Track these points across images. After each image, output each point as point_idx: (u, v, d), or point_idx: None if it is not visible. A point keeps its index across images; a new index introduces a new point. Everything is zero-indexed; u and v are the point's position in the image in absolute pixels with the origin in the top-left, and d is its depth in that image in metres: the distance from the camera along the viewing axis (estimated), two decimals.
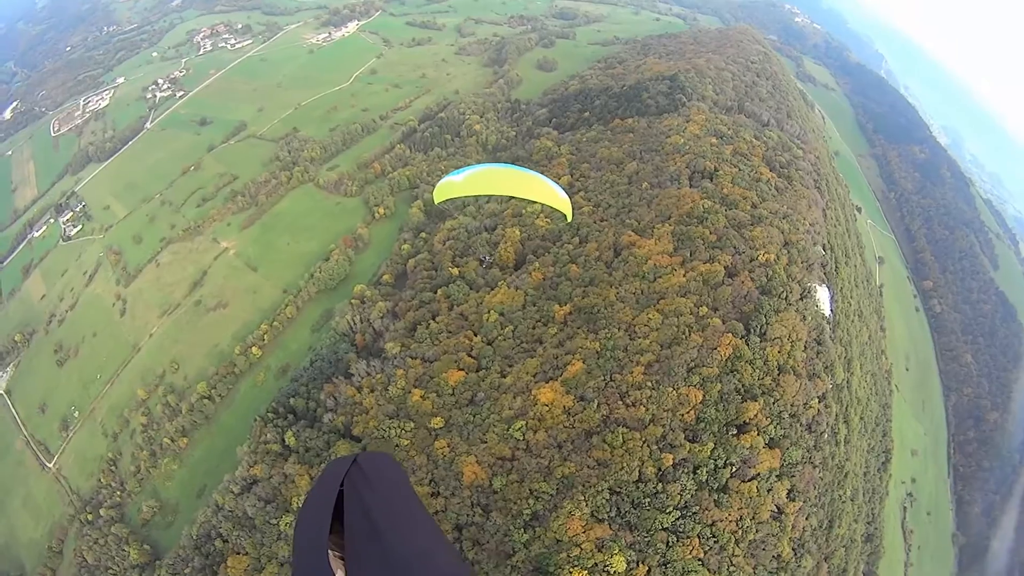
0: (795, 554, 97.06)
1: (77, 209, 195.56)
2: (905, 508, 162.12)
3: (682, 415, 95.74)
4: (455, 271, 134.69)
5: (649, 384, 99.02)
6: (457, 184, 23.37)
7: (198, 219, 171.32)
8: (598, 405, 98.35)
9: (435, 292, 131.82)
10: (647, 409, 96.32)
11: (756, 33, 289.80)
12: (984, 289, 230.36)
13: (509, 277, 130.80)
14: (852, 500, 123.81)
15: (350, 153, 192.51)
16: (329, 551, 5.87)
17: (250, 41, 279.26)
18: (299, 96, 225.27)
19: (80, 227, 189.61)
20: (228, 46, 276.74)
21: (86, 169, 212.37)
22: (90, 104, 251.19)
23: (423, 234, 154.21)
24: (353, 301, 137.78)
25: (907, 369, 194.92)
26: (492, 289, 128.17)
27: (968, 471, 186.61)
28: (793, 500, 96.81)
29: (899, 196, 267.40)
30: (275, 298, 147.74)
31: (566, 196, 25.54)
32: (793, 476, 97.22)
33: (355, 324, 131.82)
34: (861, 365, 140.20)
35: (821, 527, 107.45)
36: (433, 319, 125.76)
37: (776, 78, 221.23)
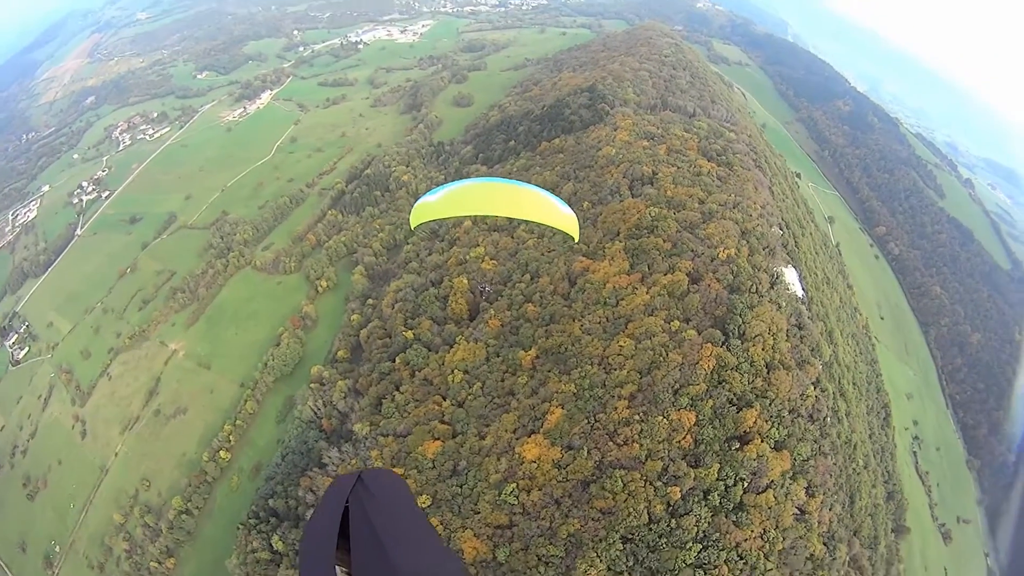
0: (827, 548, 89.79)
1: (21, 330, 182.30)
2: (915, 452, 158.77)
3: (679, 442, 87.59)
4: (409, 334, 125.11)
5: (637, 417, 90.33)
6: (432, 206, 20.51)
7: (142, 323, 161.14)
8: (588, 452, 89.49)
9: (393, 361, 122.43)
10: (641, 445, 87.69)
11: (663, 27, 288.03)
12: (936, 220, 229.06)
13: (466, 330, 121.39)
14: (866, 468, 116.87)
15: (282, 228, 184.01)
16: (336, 567, 5.82)
17: (167, 128, 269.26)
18: (224, 177, 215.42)
19: (27, 349, 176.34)
20: (147, 137, 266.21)
21: (24, 286, 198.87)
22: (19, 217, 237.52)
23: (370, 300, 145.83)
24: (312, 385, 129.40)
25: (881, 318, 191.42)
26: (451, 347, 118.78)
27: (965, 397, 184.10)
28: (813, 496, 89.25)
29: (833, 153, 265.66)
30: (233, 394, 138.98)
31: (570, 211, 22.18)
32: (807, 472, 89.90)
33: (319, 409, 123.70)
34: (841, 331, 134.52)
35: (844, 508, 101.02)
36: (397, 390, 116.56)
37: (692, 67, 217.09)
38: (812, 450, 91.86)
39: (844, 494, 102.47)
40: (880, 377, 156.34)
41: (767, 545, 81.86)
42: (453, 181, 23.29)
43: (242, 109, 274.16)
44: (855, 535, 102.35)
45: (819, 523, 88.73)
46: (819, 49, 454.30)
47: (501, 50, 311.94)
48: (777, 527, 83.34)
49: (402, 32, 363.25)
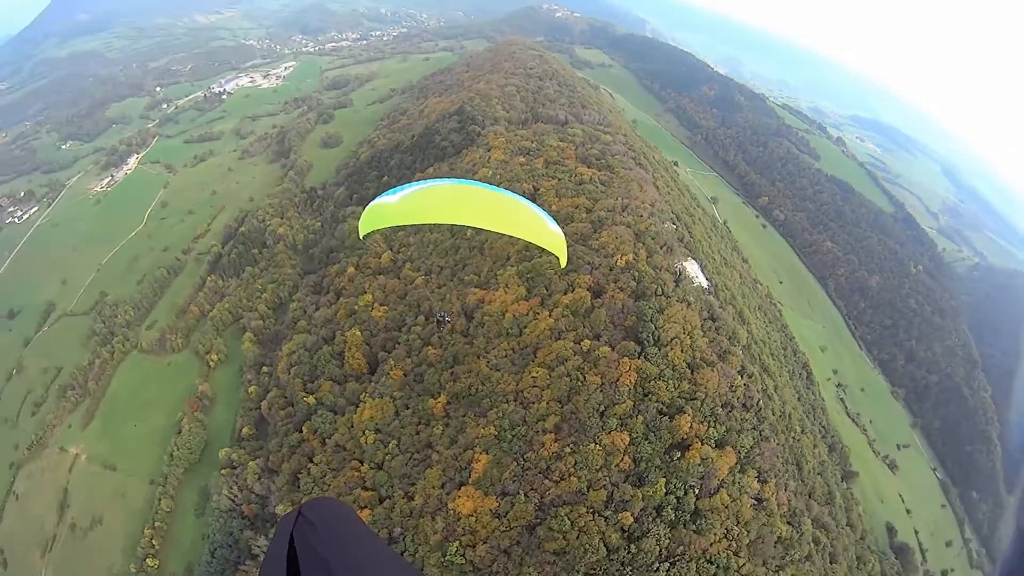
0: (793, 526, 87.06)
1: None
2: (842, 399, 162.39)
3: (618, 465, 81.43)
4: (311, 399, 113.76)
5: (568, 449, 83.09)
6: (389, 210, 18.46)
7: (38, 430, 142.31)
8: (525, 495, 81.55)
9: (300, 431, 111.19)
10: (579, 477, 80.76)
11: (525, 40, 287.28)
12: (815, 181, 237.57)
13: (368, 386, 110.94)
14: (804, 432, 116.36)
15: (164, 302, 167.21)
16: None
17: (36, 208, 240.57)
18: (98, 255, 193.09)
19: None
20: (16, 220, 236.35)
21: None
22: None
23: (265, 368, 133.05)
24: (223, 471, 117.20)
25: (781, 283, 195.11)
26: (357, 406, 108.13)
27: (875, 336, 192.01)
28: (766, 482, 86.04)
29: (706, 136, 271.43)
30: (146, 494, 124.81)
31: (557, 228, 19.79)
32: (755, 461, 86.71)
33: (235, 496, 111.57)
34: (748, 307, 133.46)
35: (794, 478, 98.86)
36: (311, 461, 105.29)
37: (558, 76, 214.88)
38: (754, 438, 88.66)
39: (792, 465, 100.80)
40: (793, 340, 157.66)
41: (733, 543, 78.25)
42: (414, 182, 19.63)
43: (110, 178, 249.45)
44: (810, 497, 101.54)
45: (779, 505, 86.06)
46: (678, 41, 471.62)
47: (365, 84, 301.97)
48: (739, 523, 79.92)
49: (265, 77, 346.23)
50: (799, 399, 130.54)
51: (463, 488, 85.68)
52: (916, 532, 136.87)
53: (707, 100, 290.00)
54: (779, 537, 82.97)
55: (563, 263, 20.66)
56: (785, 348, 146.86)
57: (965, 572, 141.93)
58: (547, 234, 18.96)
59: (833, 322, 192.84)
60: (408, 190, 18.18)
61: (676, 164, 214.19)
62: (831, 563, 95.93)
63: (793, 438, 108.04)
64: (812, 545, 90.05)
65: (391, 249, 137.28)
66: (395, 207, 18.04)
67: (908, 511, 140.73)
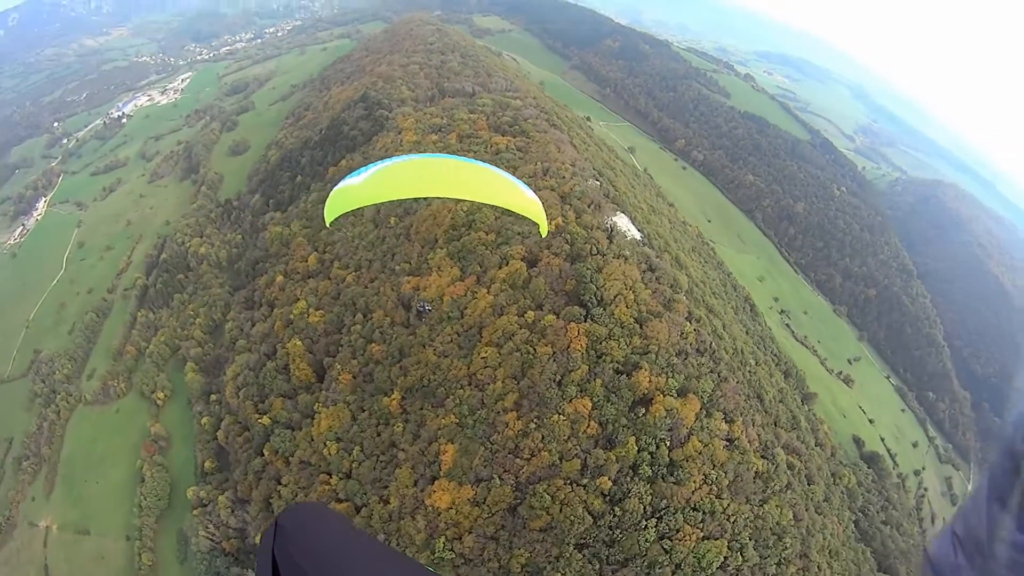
0: (767, 459, 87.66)
1: None
2: (787, 325, 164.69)
3: (585, 431, 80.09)
4: (266, 420, 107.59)
5: (532, 425, 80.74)
6: (356, 191, 17.29)
7: (3, 510, 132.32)
8: (500, 478, 79.47)
9: (262, 454, 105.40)
10: (549, 451, 79.06)
11: (422, 16, 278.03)
12: (729, 119, 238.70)
13: (320, 395, 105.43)
14: (758, 364, 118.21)
15: (99, 347, 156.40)
16: None
17: None
18: (24, 311, 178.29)
19: None
20: None
21: None
22: None
23: (213, 396, 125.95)
24: (195, 512, 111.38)
25: (709, 221, 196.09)
26: (312, 418, 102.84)
27: (809, 259, 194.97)
28: (733, 421, 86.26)
29: (615, 88, 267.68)
30: (124, 551, 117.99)
31: (534, 196, 19.15)
32: (718, 403, 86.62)
33: (213, 535, 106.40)
34: (684, 252, 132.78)
35: (760, 412, 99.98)
36: (279, 484, 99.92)
37: (460, 47, 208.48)
38: (713, 381, 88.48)
39: (754, 399, 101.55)
40: (731, 276, 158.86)
41: (714, 487, 78.87)
42: (377, 161, 18.40)
43: (21, 227, 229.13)
44: (777, 426, 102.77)
45: (750, 441, 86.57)
46: None
47: (265, 83, 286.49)
48: (715, 466, 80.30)
49: (163, 93, 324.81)
50: (747, 333, 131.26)
51: (436, 482, 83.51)
52: (882, 439, 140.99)
53: (612, 52, 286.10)
54: (756, 472, 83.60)
55: (544, 230, 19.74)
56: (725, 285, 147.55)
57: (936, 468, 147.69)
58: (525, 201, 18.39)
59: (766, 252, 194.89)
60: (373, 169, 17.31)
61: (588, 119, 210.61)
62: (809, 485, 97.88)
63: (749, 372, 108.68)
64: (788, 472, 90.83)
65: (316, 250, 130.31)
66: (362, 187, 17.10)
67: (871, 421, 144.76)
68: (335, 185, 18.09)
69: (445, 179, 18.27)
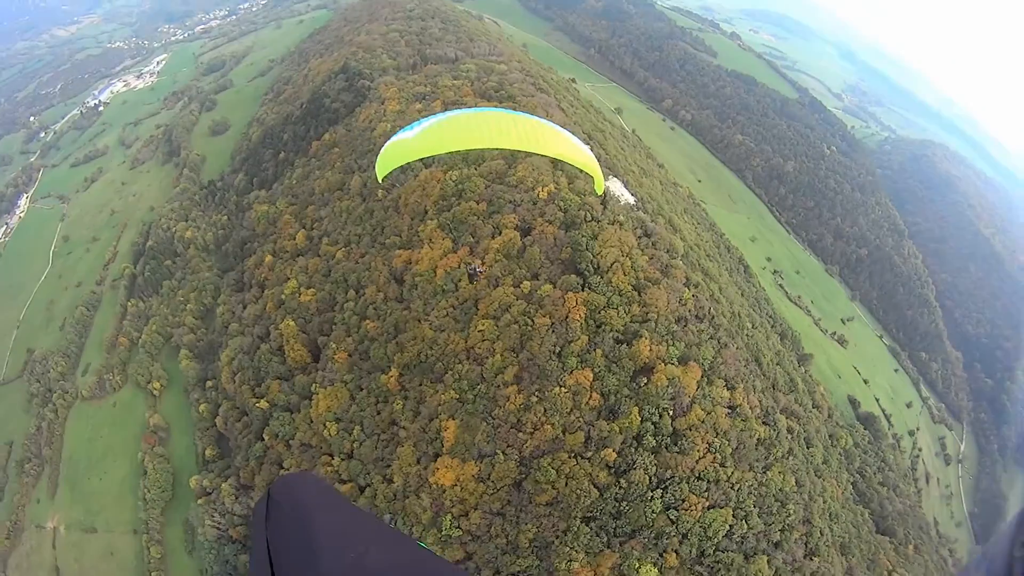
0: (769, 425, 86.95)
1: None
2: (781, 286, 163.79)
3: (587, 403, 78.60)
4: (264, 404, 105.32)
5: (534, 398, 78.98)
6: (409, 144, 17.52)
7: (11, 515, 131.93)
8: (503, 453, 78.04)
9: (263, 439, 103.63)
10: (552, 424, 77.60)
11: None
12: (717, 78, 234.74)
13: (316, 375, 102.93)
14: (755, 327, 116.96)
15: (92, 341, 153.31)
16: None
17: None
18: (14, 311, 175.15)
19: None
20: None
21: None
22: None
23: (209, 382, 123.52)
24: (199, 501, 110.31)
25: (699, 181, 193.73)
26: (310, 400, 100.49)
27: (800, 218, 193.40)
28: (734, 388, 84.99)
29: (599, 48, 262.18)
30: (133, 547, 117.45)
31: (589, 151, 19.55)
32: (719, 369, 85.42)
33: (219, 523, 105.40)
34: (676, 214, 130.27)
35: (758, 376, 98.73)
36: (281, 468, 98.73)
37: (440, 12, 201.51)
38: (714, 348, 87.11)
39: (753, 363, 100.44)
40: (724, 236, 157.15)
41: (718, 455, 77.70)
42: (428, 116, 18.97)
43: (4, 226, 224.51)
44: (775, 389, 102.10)
45: (751, 408, 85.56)
46: None
47: (243, 60, 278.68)
48: (718, 434, 78.98)
49: (139, 78, 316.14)
50: (742, 295, 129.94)
51: (439, 459, 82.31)
52: (877, 400, 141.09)
53: (595, 12, 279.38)
54: (758, 439, 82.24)
55: (600, 186, 19.94)
56: (718, 246, 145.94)
57: (929, 428, 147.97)
58: (581, 155, 18.37)
59: (757, 212, 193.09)
60: (426, 123, 17.46)
61: (574, 81, 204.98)
62: (808, 448, 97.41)
63: (747, 336, 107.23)
64: (788, 437, 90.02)
65: (304, 227, 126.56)
66: (415, 141, 17.14)
67: (865, 381, 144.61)
68: (386, 140, 18.00)
69: (502, 131, 17.81)
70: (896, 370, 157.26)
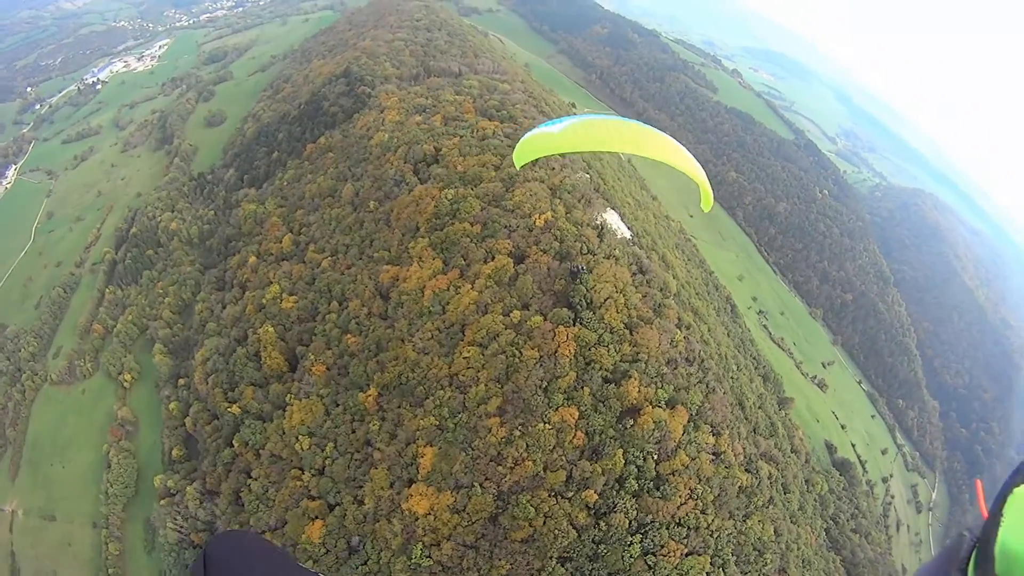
0: (751, 473, 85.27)
1: None
2: (765, 326, 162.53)
3: (571, 442, 75.85)
4: (236, 410, 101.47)
5: (516, 432, 76.24)
6: (552, 138, 18.80)
7: None
8: (481, 486, 75.01)
9: (232, 445, 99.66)
10: (533, 460, 74.88)
11: None
12: (715, 114, 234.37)
13: (292, 386, 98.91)
14: (740, 369, 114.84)
15: (66, 324, 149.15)
16: None
17: None
18: None
19: None
20: None
21: None
22: None
23: (181, 380, 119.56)
24: (163, 502, 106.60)
25: (691, 216, 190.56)
26: (284, 410, 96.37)
27: (788, 259, 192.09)
28: (720, 434, 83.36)
29: (601, 75, 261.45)
30: (91, 539, 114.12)
31: (700, 168, 20.31)
32: (706, 415, 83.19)
33: (181, 527, 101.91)
34: (668, 249, 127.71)
35: (741, 421, 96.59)
36: (249, 477, 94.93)
37: (447, 25, 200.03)
38: (702, 392, 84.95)
39: (737, 407, 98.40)
40: (713, 274, 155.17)
41: (699, 502, 75.79)
42: (575, 115, 22.08)
43: None
44: (756, 432, 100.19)
45: (735, 455, 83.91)
46: None
47: (244, 54, 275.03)
48: (701, 481, 76.99)
49: (139, 60, 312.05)
50: (728, 335, 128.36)
51: (414, 486, 79.54)
52: (853, 446, 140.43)
53: (599, 39, 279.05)
54: (740, 487, 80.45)
55: (708, 204, 20.46)
56: (707, 284, 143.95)
57: (902, 475, 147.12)
58: (698, 171, 19.02)
59: (746, 250, 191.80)
60: (568, 121, 18.36)
61: (573, 106, 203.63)
62: (785, 493, 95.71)
63: (732, 379, 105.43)
64: (769, 483, 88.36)
65: (291, 231, 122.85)
66: (559, 136, 18.00)
67: (843, 426, 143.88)
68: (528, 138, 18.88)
69: (636, 139, 18.94)
70: (873, 416, 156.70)
